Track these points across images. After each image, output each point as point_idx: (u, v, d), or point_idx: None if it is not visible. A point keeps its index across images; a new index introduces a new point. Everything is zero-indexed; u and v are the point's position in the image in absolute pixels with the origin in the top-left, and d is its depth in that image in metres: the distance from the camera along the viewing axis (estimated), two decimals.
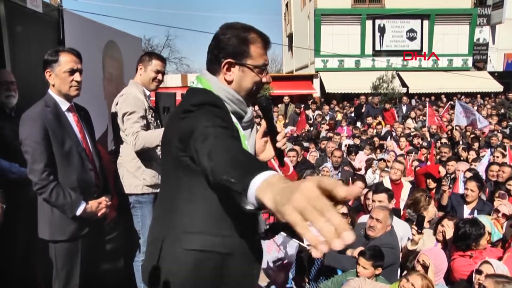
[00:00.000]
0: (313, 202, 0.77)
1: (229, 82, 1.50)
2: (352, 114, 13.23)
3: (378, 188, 4.39)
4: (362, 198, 4.58)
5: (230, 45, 1.47)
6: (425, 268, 2.92)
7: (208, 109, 1.36)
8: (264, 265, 3.42)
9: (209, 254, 1.43)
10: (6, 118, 2.84)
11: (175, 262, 1.44)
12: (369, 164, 6.72)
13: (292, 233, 1.98)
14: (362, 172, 6.69)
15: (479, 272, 2.67)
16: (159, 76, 3.04)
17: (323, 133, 9.51)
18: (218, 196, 1.39)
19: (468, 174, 4.94)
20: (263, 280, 3.30)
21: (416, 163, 6.10)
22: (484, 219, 3.48)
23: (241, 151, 1.20)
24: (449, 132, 9.37)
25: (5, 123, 2.81)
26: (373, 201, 3.97)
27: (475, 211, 4.29)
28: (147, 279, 1.53)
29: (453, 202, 4.54)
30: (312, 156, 6.99)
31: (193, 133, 1.27)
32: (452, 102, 16.71)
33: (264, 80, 1.53)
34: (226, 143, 1.19)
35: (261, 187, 0.93)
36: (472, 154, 6.83)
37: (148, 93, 3.06)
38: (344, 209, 3.87)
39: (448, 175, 5.68)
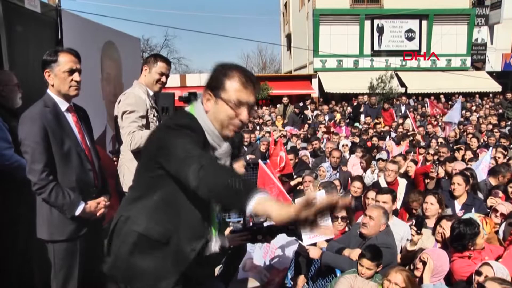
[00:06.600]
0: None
1: (207, 112, 1.66)
2: (351, 115, 13.22)
3: (382, 188, 4.37)
4: (362, 197, 4.59)
5: (211, 77, 1.64)
6: (425, 265, 2.93)
7: (187, 133, 1.55)
8: (261, 265, 3.42)
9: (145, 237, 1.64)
10: (16, 118, 2.87)
11: (121, 236, 1.68)
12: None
13: (290, 234, 1.98)
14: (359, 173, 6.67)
15: (478, 273, 2.65)
16: (163, 79, 3.04)
17: (320, 134, 9.46)
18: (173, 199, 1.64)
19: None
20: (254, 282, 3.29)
21: (412, 164, 6.07)
22: (472, 217, 3.46)
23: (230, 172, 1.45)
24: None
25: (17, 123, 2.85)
26: (377, 201, 3.96)
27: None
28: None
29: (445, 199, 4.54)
30: (305, 157, 6.98)
31: (169, 148, 1.50)
32: (451, 102, 16.78)
33: (239, 116, 1.62)
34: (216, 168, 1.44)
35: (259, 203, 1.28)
36: (469, 154, 6.83)
37: (151, 93, 3.06)
38: (343, 213, 3.85)
39: (436, 163, 5.69)
